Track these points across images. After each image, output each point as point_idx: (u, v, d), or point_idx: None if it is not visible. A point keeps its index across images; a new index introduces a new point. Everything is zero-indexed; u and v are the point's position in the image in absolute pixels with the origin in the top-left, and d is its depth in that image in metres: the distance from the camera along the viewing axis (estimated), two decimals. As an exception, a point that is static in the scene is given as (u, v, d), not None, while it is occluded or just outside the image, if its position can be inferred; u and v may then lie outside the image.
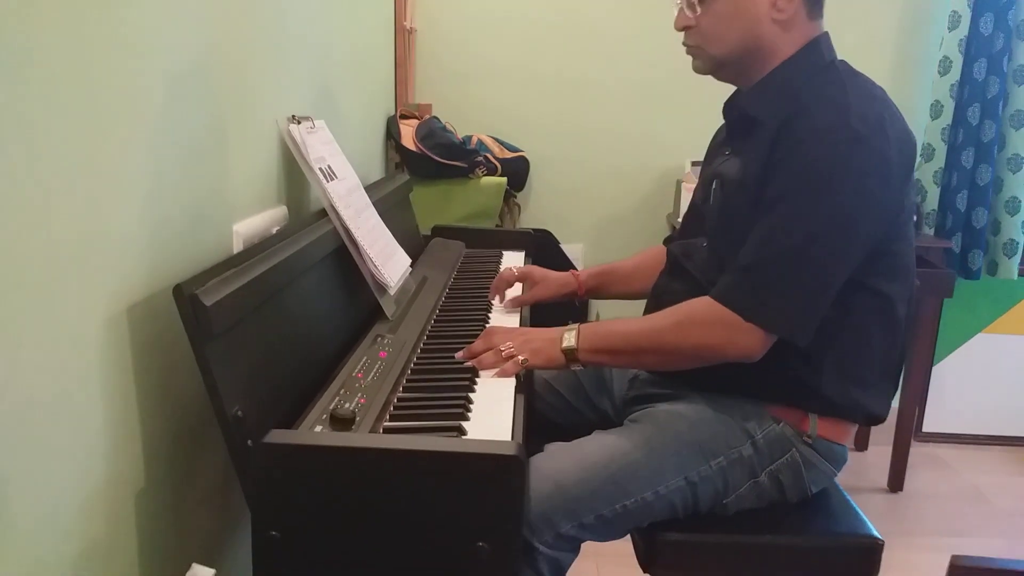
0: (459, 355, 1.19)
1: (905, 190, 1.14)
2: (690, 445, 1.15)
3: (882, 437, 2.56)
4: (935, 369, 2.69)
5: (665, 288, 1.31)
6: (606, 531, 1.13)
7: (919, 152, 2.55)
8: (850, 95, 1.11)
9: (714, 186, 1.25)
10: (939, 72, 2.50)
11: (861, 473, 2.56)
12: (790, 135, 1.10)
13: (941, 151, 2.53)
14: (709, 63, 1.24)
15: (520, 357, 1.16)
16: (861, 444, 2.71)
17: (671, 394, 1.24)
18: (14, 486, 0.69)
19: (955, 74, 2.48)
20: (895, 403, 2.37)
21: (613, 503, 1.11)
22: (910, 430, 2.44)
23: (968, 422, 2.78)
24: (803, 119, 1.10)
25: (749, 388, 1.18)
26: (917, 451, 2.61)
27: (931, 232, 2.59)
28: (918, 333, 2.40)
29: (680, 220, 1.48)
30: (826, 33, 1.22)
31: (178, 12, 0.96)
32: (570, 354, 1.17)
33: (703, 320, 1.12)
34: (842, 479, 1.30)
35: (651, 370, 1.30)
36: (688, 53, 1.25)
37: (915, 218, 2.43)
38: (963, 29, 2.44)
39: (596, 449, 1.15)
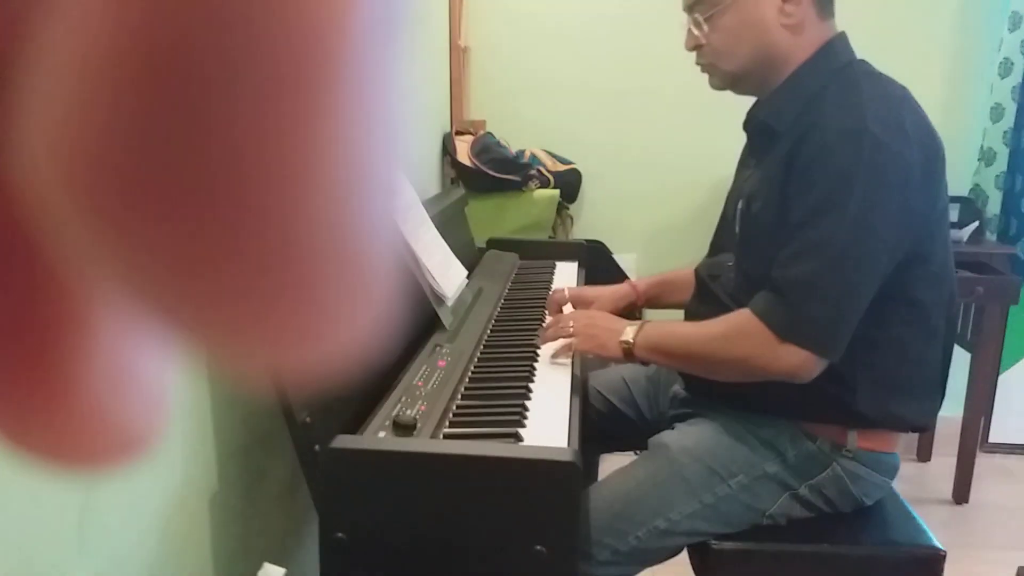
0: (539, 341, 1.29)
1: (933, 192, 1.12)
2: (700, 471, 1.17)
3: (946, 448, 2.49)
4: (1001, 378, 2.61)
5: (694, 313, 1.32)
6: (629, 563, 1.16)
7: (979, 157, 2.51)
8: (866, 98, 1.09)
9: (740, 205, 1.24)
10: (999, 74, 2.45)
11: (925, 484, 2.50)
12: (808, 146, 1.09)
13: (1003, 155, 2.47)
14: (725, 79, 1.23)
15: (573, 341, 1.23)
16: (924, 455, 2.65)
17: (700, 415, 1.26)
18: (101, 487, 0.74)
19: (1016, 76, 2.42)
20: (959, 413, 2.34)
21: (625, 536, 1.14)
22: (975, 440, 2.38)
23: (1037, 433, 2.69)
24: (819, 128, 1.08)
25: (782, 406, 1.18)
26: (983, 462, 2.53)
27: (993, 238, 2.53)
28: (982, 341, 2.34)
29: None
30: (842, 33, 1.19)
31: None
32: (626, 347, 1.20)
33: (746, 334, 1.12)
34: (905, 490, 1.29)
35: (700, 376, 1.31)
36: (703, 71, 1.25)
37: (977, 219, 2.38)
38: (1024, 30, 2.39)
39: (608, 487, 1.20)
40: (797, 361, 1.08)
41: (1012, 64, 2.42)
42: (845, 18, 1.23)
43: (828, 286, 1.07)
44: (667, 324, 1.24)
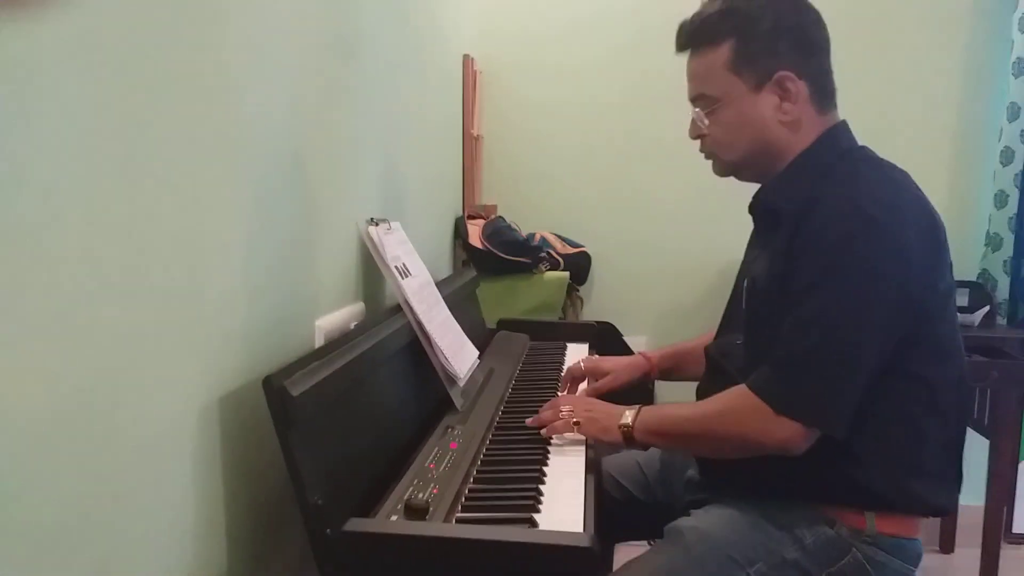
0: (529, 422, 1.27)
1: (934, 271, 1.12)
2: (718, 559, 1.13)
3: (969, 539, 2.42)
4: (1021, 466, 2.56)
5: (707, 391, 1.30)
6: None
7: (986, 242, 2.53)
8: (863, 179, 1.12)
9: (745, 284, 1.26)
10: (1001, 162, 2.50)
11: (948, 577, 2.42)
12: (806, 226, 1.11)
13: (1009, 240, 2.50)
14: (726, 167, 1.28)
15: (574, 420, 1.22)
16: (947, 546, 2.57)
17: (716, 500, 1.23)
18: (114, 567, 0.73)
19: (1018, 164, 2.47)
20: (980, 502, 2.29)
21: None
22: (999, 531, 2.31)
23: (1062, 523, 2.62)
24: (817, 209, 1.11)
25: (798, 491, 1.16)
26: (1008, 553, 2.45)
27: (1004, 322, 2.53)
28: (1000, 428, 2.30)
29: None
30: (843, 122, 1.23)
31: (268, 123, 1.05)
32: (626, 431, 1.20)
33: (741, 409, 1.12)
34: (929, 584, 1.25)
35: (703, 457, 1.29)
36: (706, 158, 1.30)
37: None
38: (1023, 120, 2.45)
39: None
40: (788, 433, 1.08)
41: (1013, 152, 2.47)
42: (850, 108, 1.26)
43: (822, 361, 1.07)
44: (664, 407, 1.25)
